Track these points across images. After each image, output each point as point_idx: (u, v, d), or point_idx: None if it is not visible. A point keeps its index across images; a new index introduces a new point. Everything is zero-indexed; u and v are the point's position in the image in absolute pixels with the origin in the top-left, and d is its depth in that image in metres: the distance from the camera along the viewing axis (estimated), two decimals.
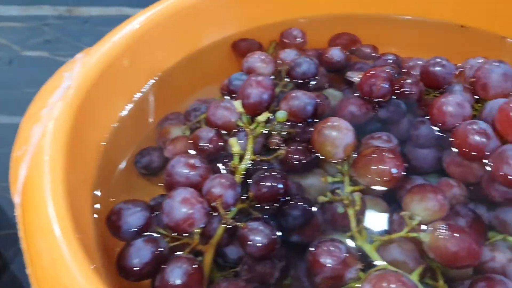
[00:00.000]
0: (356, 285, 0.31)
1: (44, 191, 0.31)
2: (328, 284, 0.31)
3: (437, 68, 0.43)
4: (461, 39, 0.54)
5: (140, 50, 0.46)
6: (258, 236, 0.33)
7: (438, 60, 0.44)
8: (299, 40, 0.54)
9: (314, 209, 0.36)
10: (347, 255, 0.32)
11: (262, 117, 0.40)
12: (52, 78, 0.41)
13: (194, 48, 0.52)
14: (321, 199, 0.36)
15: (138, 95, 0.47)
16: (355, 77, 0.47)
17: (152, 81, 0.49)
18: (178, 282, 0.30)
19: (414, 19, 0.57)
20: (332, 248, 0.32)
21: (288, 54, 0.50)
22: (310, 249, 0.33)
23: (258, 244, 0.32)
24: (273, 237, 0.33)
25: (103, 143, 0.42)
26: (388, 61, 0.50)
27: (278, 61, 0.50)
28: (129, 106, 0.46)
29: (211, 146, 0.40)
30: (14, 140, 0.36)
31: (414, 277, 0.31)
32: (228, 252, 0.35)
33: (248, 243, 0.33)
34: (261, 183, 0.35)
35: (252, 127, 0.40)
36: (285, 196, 0.36)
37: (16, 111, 0.61)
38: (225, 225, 0.34)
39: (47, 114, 0.36)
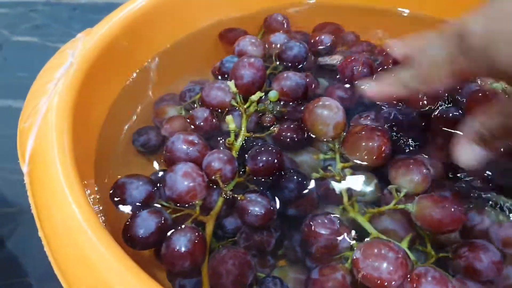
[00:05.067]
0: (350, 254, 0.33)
1: (53, 160, 0.32)
2: (322, 252, 0.33)
3: None
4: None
5: (138, 31, 0.47)
6: (256, 206, 0.34)
7: None
8: (284, 25, 0.56)
9: (308, 182, 0.37)
10: (340, 226, 0.33)
11: (255, 97, 0.41)
12: (56, 55, 0.42)
13: (188, 31, 0.53)
14: (314, 175, 0.38)
15: (134, 75, 0.48)
16: (327, 60, 0.49)
17: (148, 61, 0.50)
18: (183, 249, 0.32)
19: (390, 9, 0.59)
20: (326, 220, 0.34)
21: (278, 38, 0.51)
22: (305, 221, 0.34)
23: (256, 214, 0.34)
24: (270, 207, 0.35)
25: (103, 119, 0.44)
26: (365, 47, 0.52)
27: (266, 46, 0.51)
28: (127, 84, 0.47)
29: (207, 124, 0.42)
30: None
31: (404, 244, 0.33)
32: (227, 223, 0.37)
33: (247, 213, 0.34)
34: (257, 157, 0.37)
35: (245, 106, 0.41)
36: (280, 171, 0.37)
37: (8, 95, 0.62)
38: (224, 197, 0.36)
39: (53, 88, 0.37)
